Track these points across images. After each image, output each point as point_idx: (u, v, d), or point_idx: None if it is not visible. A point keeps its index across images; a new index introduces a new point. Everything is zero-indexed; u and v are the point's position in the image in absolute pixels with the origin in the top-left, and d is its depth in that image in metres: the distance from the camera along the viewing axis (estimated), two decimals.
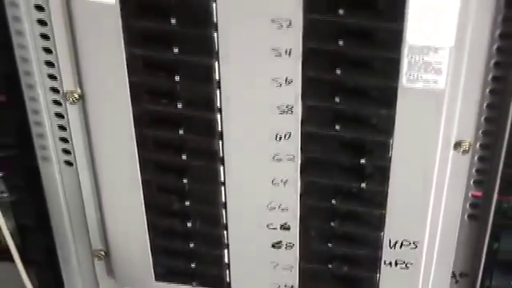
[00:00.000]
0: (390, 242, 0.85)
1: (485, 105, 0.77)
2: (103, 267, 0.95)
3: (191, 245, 0.90)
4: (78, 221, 0.94)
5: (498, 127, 0.78)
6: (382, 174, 0.81)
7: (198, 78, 0.79)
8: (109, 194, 0.89)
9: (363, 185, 0.82)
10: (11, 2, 0.78)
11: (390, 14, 0.71)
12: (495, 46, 0.74)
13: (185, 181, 0.85)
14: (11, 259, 0.92)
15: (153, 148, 0.84)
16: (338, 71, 0.75)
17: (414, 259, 0.85)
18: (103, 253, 0.94)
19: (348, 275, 0.88)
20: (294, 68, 0.76)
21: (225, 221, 0.88)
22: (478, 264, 0.87)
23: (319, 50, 0.75)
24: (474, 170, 0.82)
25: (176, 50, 0.76)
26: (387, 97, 0.76)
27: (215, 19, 0.74)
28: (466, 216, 0.85)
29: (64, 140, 0.88)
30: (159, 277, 0.93)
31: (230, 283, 0.92)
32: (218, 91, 0.79)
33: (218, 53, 0.77)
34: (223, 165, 0.84)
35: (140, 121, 0.82)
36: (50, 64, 0.82)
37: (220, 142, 0.82)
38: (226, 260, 0.91)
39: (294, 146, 0.81)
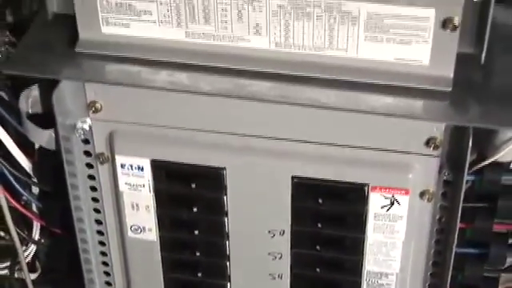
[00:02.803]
0: None
1: None
2: None
3: None
4: None
5: None
6: None
7: None
8: None
9: None
10: (82, 239, 0.92)
11: (354, 250, 0.85)
12: (429, 272, 0.86)
13: None
14: None
15: None
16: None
17: None
18: None
19: None
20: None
21: None
22: None
23: (303, 275, 0.89)
24: None
25: (199, 274, 0.91)
26: None
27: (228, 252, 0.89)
28: None
29: None
30: None
31: None
32: None
33: (230, 276, 0.91)
34: None
35: None
36: (108, 284, 0.97)
37: None
38: None
39: None
